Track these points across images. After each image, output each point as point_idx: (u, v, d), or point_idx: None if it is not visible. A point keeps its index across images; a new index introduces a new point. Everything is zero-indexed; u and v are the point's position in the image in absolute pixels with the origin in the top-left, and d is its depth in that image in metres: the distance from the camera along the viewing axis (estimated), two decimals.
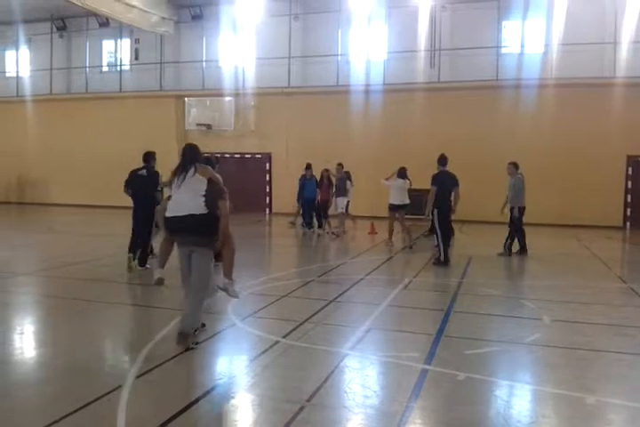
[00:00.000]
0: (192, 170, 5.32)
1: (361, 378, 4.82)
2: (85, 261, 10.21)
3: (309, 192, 15.13)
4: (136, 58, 22.51)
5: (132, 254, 9.18)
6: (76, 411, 3.92)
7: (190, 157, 5.43)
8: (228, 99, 20.79)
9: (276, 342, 5.57)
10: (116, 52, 23.10)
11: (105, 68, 23.48)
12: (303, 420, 3.92)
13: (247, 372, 4.91)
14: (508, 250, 11.43)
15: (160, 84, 21.99)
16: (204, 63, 21.47)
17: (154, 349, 5.29)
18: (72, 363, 4.97)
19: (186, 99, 21.22)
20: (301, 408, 4.06)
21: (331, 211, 15.06)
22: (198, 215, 5.21)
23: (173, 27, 21.08)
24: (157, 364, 4.88)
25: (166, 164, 19.97)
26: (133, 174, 9.39)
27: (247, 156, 20.91)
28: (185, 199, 5.26)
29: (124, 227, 17.43)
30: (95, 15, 20.45)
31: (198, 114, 21.10)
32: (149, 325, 6.10)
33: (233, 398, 4.35)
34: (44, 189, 23.33)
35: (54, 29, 23.15)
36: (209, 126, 21.06)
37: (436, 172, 10.73)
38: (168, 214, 5.36)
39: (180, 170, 5.39)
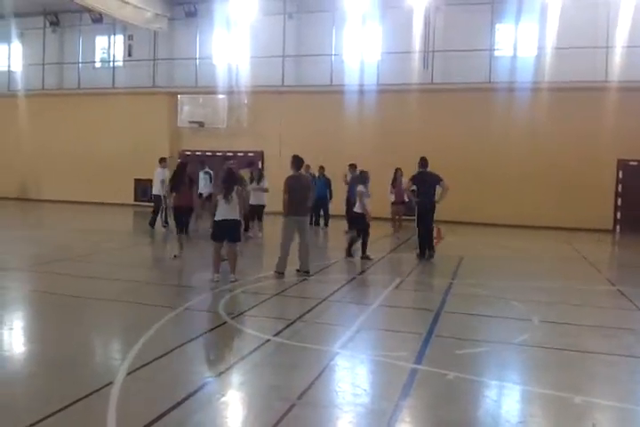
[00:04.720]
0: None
1: (351, 377, 4.85)
2: (76, 256, 10.16)
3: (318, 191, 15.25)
4: (129, 54, 22.38)
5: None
6: (65, 407, 3.91)
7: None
8: (221, 96, 20.72)
9: (267, 341, 5.58)
10: (109, 48, 22.96)
11: (98, 64, 23.35)
12: (294, 418, 3.93)
13: (238, 370, 4.91)
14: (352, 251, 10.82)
15: (153, 80, 21.90)
16: (197, 60, 21.41)
17: (145, 346, 5.27)
18: (62, 359, 4.95)
19: (178, 96, 21.12)
20: (292, 406, 4.07)
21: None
22: None
23: (167, 23, 20.97)
24: (148, 361, 4.87)
25: (157, 159, 19.59)
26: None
27: (240, 154, 20.87)
28: None
29: (116, 223, 17.65)
30: (88, 11, 20.33)
31: (191, 111, 21.02)
32: (140, 321, 6.09)
33: (223, 395, 4.35)
34: (35, 185, 23.17)
35: (47, 24, 22.98)
36: (201, 124, 21.01)
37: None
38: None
39: None
